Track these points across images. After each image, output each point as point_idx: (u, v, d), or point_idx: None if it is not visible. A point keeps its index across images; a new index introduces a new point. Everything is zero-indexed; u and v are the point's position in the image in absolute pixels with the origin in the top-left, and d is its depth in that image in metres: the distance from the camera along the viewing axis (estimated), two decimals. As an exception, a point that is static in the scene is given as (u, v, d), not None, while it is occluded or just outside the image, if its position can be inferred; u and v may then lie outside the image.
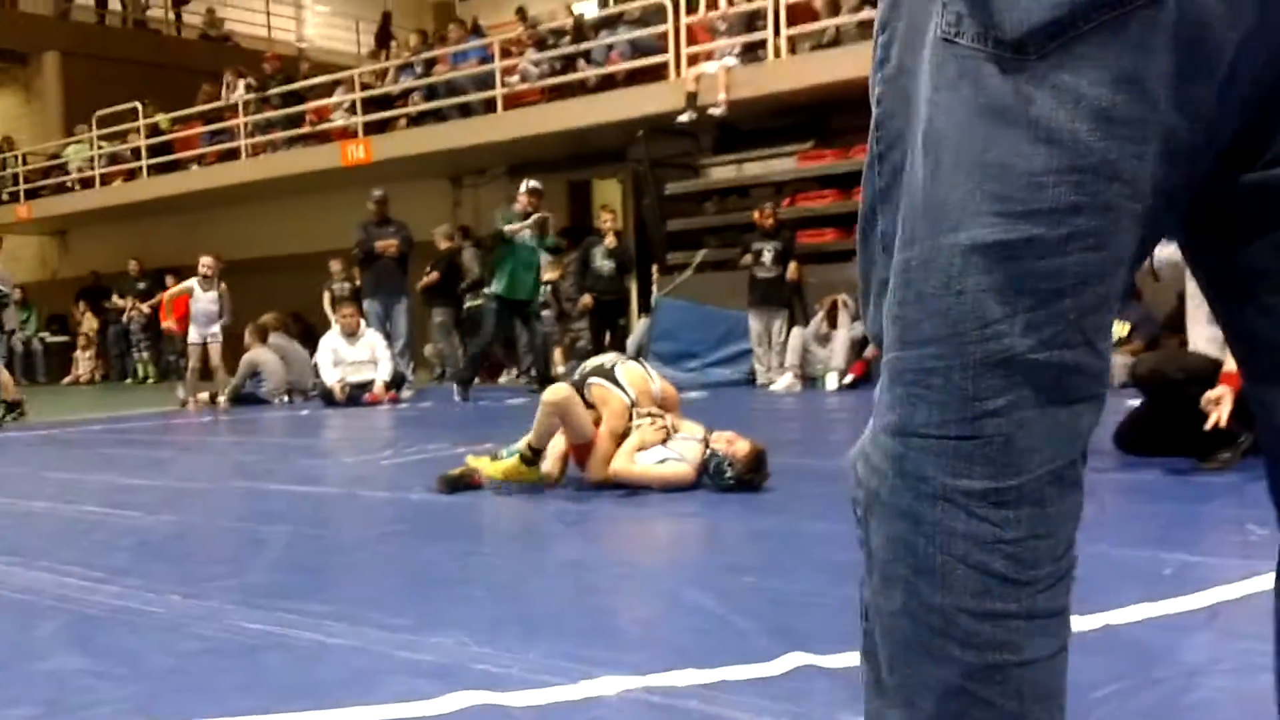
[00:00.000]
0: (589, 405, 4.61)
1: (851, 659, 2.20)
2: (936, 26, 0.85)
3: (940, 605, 0.90)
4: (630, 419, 4.55)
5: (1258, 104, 0.84)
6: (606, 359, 4.91)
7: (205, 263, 10.92)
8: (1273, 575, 1.02)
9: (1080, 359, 0.84)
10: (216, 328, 10.78)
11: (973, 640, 0.89)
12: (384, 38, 19.20)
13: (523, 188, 9.97)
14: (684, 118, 11.39)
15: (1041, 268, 0.81)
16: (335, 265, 13.02)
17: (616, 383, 4.61)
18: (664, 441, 4.47)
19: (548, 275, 11.05)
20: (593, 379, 4.66)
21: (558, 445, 4.60)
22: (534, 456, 4.56)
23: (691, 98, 11.33)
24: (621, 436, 4.50)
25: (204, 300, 10.77)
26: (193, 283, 11.00)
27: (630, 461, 4.42)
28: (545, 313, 11.45)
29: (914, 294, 0.87)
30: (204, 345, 10.78)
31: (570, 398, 4.50)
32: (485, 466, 4.64)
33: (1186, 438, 4.09)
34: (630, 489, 4.38)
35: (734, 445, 4.31)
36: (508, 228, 9.67)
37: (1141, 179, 0.80)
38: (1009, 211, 0.81)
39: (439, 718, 2.02)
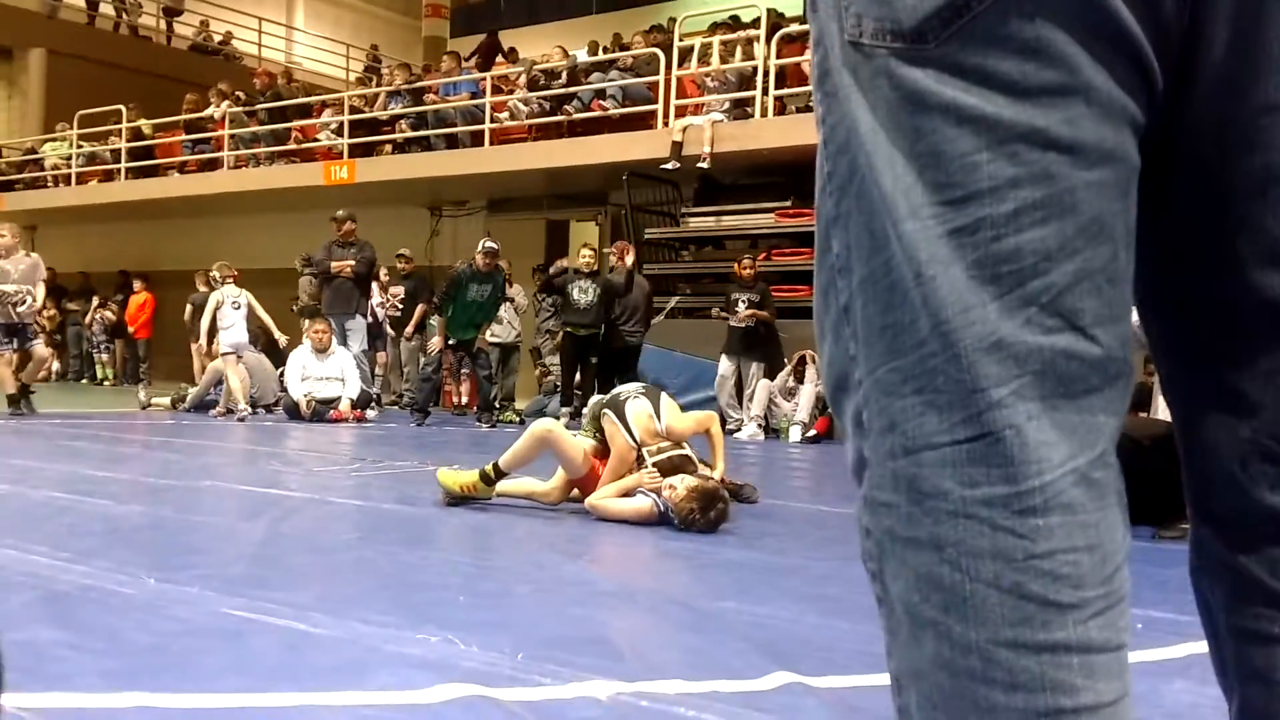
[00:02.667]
0: (602, 435, 4.68)
1: (838, 681, 2.25)
2: (842, 31, 0.85)
3: (976, 643, 0.79)
4: (637, 461, 4.55)
5: (1181, 49, 0.82)
6: (626, 389, 4.88)
7: (218, 272, 10.89)
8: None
9: (1071, 345, 0.79)
10: (241, 339, 10.50)
11: (1019, 680, 0.78)
12: (373, 67, 19.39)
13: (480, 247, 10.17)
14: (669, 165, 11.53)
15: (998, 249, 0.78)
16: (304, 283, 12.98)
17: (625, 419, 4.63)
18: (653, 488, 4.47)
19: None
20: (606, 410, 4.72)
21: (562, 473, 4.63)
22: (494, 476, 4.62)
23: (677, 147, 11.49)
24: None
25: (233, 315, 10.59)
26: (224, 293, 10.69)
27: (610, 486, 4.47)
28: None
29: (897, 297, 0.82)
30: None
31: (551, 435, 4.55)
32: (444, 477, 4.72)
33: (1145, 504, 4.19)
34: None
35: (674, 490, 4.26)
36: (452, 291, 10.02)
37: (1081, 143, 0.78)
38: (952, 198, 0.79)
39: (431, 707, 2.02)
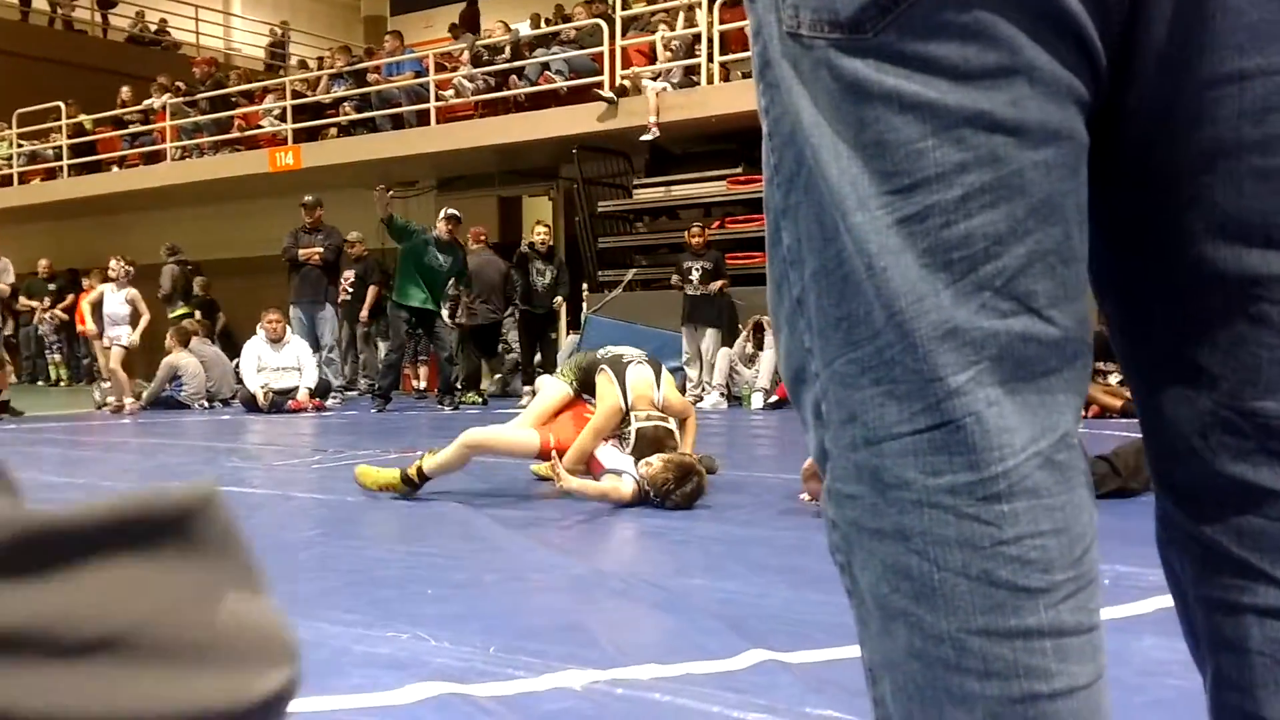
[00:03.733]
0: (590, 391, 4.68)
1: (811, 655, 2.25)
2: (780, 23, 0.84)
3: (948, 632, 0.79)
4: (624, 422, 4.53)
5: (1124, 26, 0.81)
6: (629, 353, 4.83)
7: (114, 265, 10.70)
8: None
9: (1027, 328, 0.78)
10: (122, 330, 10.46)
11: (993, 668, 0.78)
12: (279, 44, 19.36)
13: (441, 215, 10.01)
14: (648, 137, 11.42)
15: (948, 236, 0.78)
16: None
17: (623, 381, 4.60)
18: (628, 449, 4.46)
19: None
20: (604, 366, 4.69)
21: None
22: (417, 480, 4.53)
23: (613, 109, 11.44)
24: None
25: (113, 302, 10.52)
26: (105, 286, 10.73)
27: (590, 440, 4.45)
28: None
29: (851, 288, 0.82)
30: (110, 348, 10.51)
31: (483, 443, 4.50)
32: (362, 474, 4.68)
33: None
34: (572, 495, 4.40)
35: (650, 465, 4.25)
36: (394, 214, 9.83)
37: (1026, 124, 0.77)
38: (899, 186, 0.78)
39: (404, 707, 2.00)
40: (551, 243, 11.17)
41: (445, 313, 10.56)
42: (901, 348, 0.79)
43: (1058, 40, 0.78)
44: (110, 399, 10.53)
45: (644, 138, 11.51)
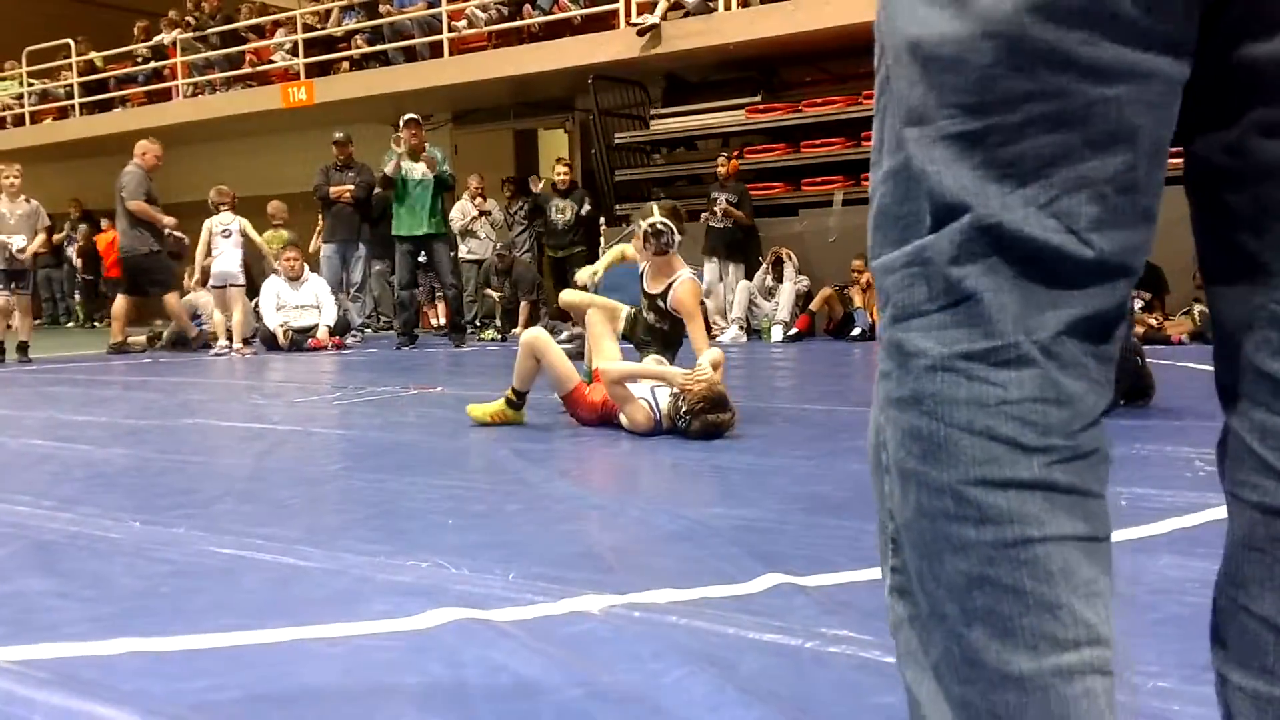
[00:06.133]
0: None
1: (826, 579, 2.26)
2: None
3: (949, 483, 0.86)
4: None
5: None
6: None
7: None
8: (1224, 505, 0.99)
9: (1063, 243, 0.84)
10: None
11: (987, 515, 0.85)
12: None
13: (400, 121, 9.60)
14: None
15: (1003, 154, 0.83)
16: (274, 206, 12.61)
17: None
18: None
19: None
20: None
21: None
22: (518, 400, 4.67)
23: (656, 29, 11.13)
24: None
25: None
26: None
27: (618, 370, 4.50)
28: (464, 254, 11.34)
29: (912, 189, 0.88)
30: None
31: (539, 342, 4.56)
32: (473, 410, 4.76)
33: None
34: (591, 423, 4.44)
35: (691, 385, 4.31)
36: (387, 169, 9.50)
37: (1101, 64, 0.81)
38: (965, 103, 0.83)
39: (425, 632, 2.03)
40: (571, 178, 11.08)
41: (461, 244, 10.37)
42: (941, 238, 0.87)
43: None
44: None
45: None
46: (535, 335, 4.66)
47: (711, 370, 4.40)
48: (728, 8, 11.13)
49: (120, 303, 10.15)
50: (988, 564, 0.86)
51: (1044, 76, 0.81)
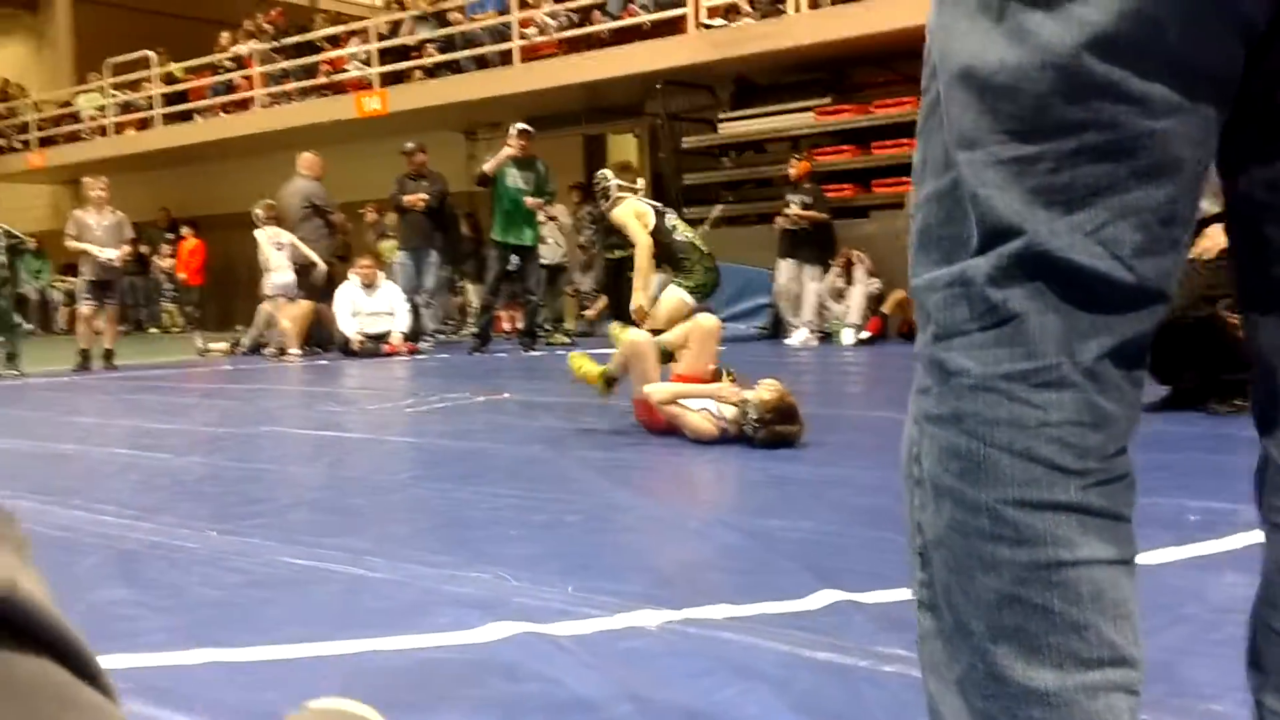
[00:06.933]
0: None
1: (884, 596, 2.26)
2: None
3: (986, 502, 0.88)
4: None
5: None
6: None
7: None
8: None
9: (1109, 269, 0.85)
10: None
11: (1024, 535, 0.86)
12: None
13: (512, 130, 9.98)
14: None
15: (1052, 181, 0.84)
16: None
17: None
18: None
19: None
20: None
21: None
22: (611, 382, 4.86)
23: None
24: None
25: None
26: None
27: (666, 391, 4.55)
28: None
29: (959, 212, 0.90)
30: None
31: (639, 346, 4.67)
32: (578, 361, 4.97)
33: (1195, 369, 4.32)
34: (659, 432, 4.47)
35: (764, 394, 4.28)
36: (486, 166, 9.85)
37: (1152, 99, 0.82)
38: (1018, 130, 0.85)
39: (485, 645, 2.07)
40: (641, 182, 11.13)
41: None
42: (985, 259, 0.88)
43: (1212, 34, 0.82)
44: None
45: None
46: (636, 341, 4.75)
47: (775, 383, 4.39)
48: (797, 10, 11.09)
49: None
50: (1019, 584, 0.87)
51: (1097, 107, 0.83)
